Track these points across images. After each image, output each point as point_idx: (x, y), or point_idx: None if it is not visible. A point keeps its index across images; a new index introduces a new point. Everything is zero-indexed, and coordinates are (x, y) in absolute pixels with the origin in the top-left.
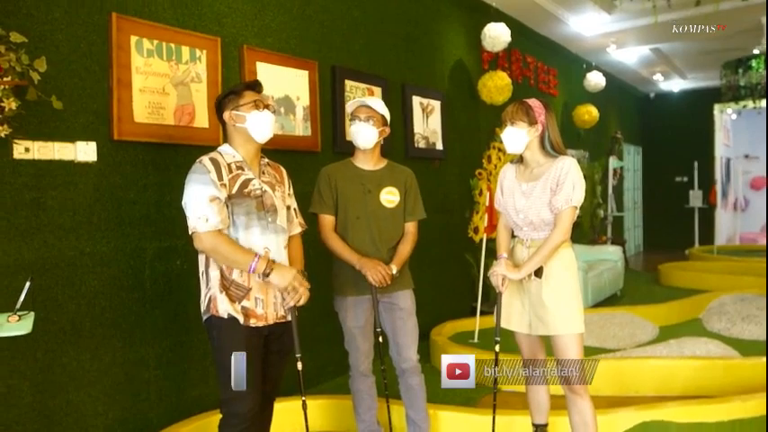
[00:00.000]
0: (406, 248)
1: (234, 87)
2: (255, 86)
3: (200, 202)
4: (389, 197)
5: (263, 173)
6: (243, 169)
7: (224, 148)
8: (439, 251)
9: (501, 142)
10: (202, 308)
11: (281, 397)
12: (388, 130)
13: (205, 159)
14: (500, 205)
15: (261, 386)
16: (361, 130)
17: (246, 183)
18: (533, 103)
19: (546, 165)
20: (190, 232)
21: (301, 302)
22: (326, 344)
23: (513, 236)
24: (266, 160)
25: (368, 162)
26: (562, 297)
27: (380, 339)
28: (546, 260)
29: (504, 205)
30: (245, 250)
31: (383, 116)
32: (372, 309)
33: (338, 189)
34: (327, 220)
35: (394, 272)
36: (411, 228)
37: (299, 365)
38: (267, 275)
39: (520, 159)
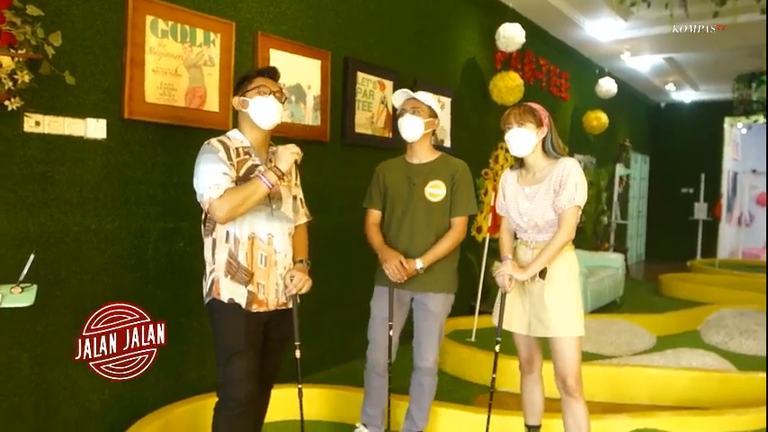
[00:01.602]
0: (442, 245)
1: (248, 73)
2: (266, 73)
3: (212, 174)
4: (434, 190)
5: (270, 160)
6: (250, 155)
7: (233, 132)
8: None
9: None
10: (205, 290)
11: (278, 384)
12: (437, 121)
13: (213, 141)
14: (502, 210)
15: (259, 372)
16: (407, 122)
17: (252, 168)
18: (536, 106)
19: (548, 167)
20: (205, 209)
21: (304, 290)
22: (325, 334)
23: (515, 238)
24: (274, 148)
25: (417, 156)
26: (563, 299)
27: (391, 333)
28: (551, 260)
29: (507, 209)
30: (247, 183)
31: (430, 108)
32: (402, 302)
33: (386, 184)
34: (371, 215)
35: (418, 266)
36: (455, 223)
37: (298, 353)
38: (280, 175)
39: (520, 164)
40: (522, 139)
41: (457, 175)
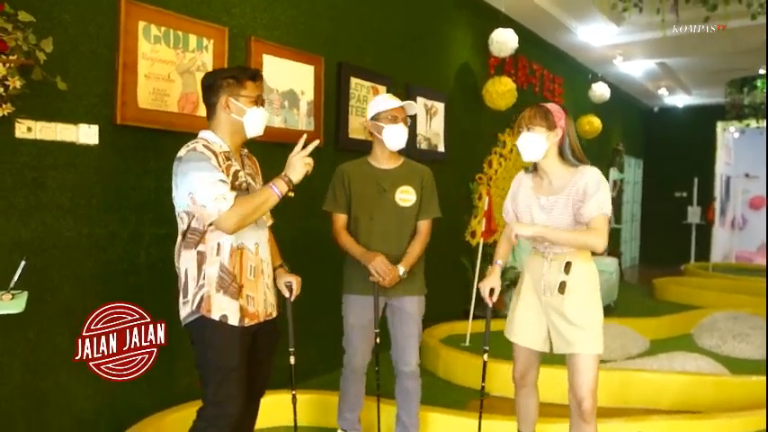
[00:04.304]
0: (415, 248)
1: (234, 72)
2: (256, 77)
3: (213, 185)
4: (405, 196)
5: (244, 165)
6: (230, 160)
7: (209, 135)
8: (435, 253)
9: (503, 147)
10: (189, 308)
11: (271, 390)
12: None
13: (200, 147)
14: (509, 215)
15: (250, 385)
16: (400, 132)
17: (236, 174)
18: (552, 107)
19: (567, 176)
20: (208, 221)
21: (296, 292)
22: (317, 341)
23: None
24: (246, 151)
25: (385, 161)
26: (586, 314)
27: (378, 340)
28: (565, 243)
29: (520, 218)
30: (256, 193)
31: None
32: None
33: (352, 188)
34: (339, 219)
35: (401, 272)
36: (423, 226)
37: (292, 359)
38: (290, 184)
39: (534, 168)
40: (532, 143)
41: (425, 180)
